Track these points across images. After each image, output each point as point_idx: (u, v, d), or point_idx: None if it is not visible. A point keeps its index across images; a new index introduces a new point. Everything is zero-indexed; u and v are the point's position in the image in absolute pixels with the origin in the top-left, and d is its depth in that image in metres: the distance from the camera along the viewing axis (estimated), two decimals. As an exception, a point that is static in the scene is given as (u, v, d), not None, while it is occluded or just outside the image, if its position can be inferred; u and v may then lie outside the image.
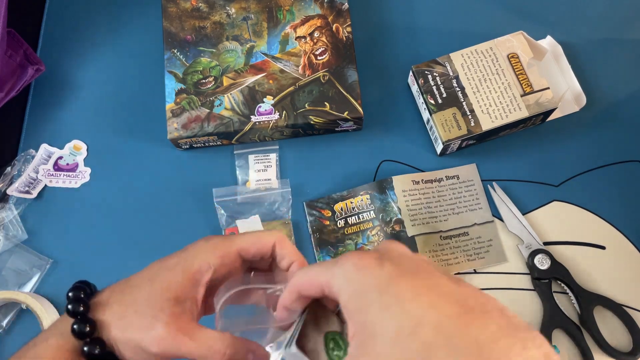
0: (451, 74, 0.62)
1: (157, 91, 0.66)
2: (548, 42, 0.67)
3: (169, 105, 0.62)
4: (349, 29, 0.64)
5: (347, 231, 0.61)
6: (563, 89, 0.65)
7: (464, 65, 0.62)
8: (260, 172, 0.63)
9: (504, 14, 0.70)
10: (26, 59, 0.65)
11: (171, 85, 0.63)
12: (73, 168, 0.65)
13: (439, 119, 0.61)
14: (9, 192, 0.63)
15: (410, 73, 0.64)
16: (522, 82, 0.61)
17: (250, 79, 0.62)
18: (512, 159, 0.64)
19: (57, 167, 0.65)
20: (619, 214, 0.61)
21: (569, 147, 0.64)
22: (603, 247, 0.60)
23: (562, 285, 0.59)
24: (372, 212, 0.61)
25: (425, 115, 0.63)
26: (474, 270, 0.60)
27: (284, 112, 0.61)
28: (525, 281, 0.59)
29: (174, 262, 0.37)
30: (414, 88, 0.65)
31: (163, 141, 0.63)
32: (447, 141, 0.60)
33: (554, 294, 0.58)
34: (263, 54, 0.63)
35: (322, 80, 0.62)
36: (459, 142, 0.61)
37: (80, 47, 0.70)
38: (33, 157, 0.65)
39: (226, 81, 0.62)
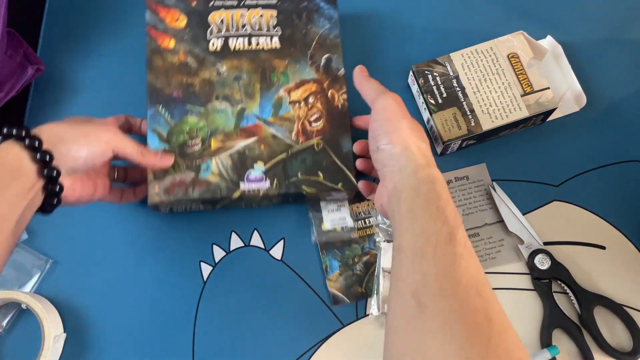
0: (451, 74, 0.62)
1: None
2: (548, 42, 0.67)
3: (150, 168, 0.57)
4: (344, 95, 0.60)
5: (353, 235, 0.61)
6: (563, 89, 0.65)
7: (464, 65, 0.62)
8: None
9: (504, 14, 0.70)
10: (26, 59, 0.65)
11: (154, 145, 0.57)
12: (73, 168, 0.65)
13: (439, 119, 0.61)
14: (9, 192, 0.63)
15: (410, 73, 0.64)
16: (522, 82, 0.61)
17: (241, 143, 0.58)
18: (512, 159, 0.64)
19: (57, 167, 0.65)
20: (619, 214, 0.62)
21: (569, 147, 0.64)
22: (603, 247, 0.60)
23: (562, 285, 0.59)
24: (378, 217, 0.61)
25: (425, 115, 0.63)
26: (474, 270, 0.60)
27: (276, 180, 0.57)
28: (526, 281, 0.59)
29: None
30: (414, 88, 0.65)
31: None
32: (447, 141, 0.60)
33: (554, 294, 0.58)
34: (255, 116, 0.59)
35: (316, 149, 0.58)
36: (459, 142, 0.61)
37: (80, 47, 0.70)
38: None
39: (214, 144, 0.58)
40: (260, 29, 0.62)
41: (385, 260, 0.59)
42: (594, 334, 0.56)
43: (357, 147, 0.58)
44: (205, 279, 0.61)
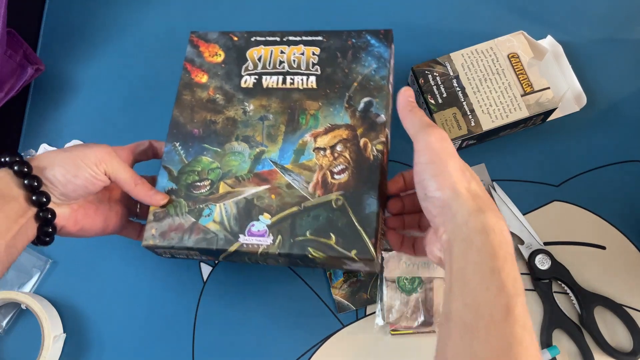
0: (451, 73, 0.62)
1: (157, 90, 0.66)
2: (548, 42, 0.67)
3: (153, 207, 0.53)
4: (379, 146, 0.52)
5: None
6: (563, 89, 0.65)
7: (464, 65, 0.62)
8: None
9: (504, 14, 0.70)
10: (26, 59, 0.65)
11: (162, 183, 0.54)
12: (73, 168, 0.65)
13: (439, 119, 0.61)
14: (8, 192, 0.63)
15: (410, 73, 0.64)
16: (522, 82, 0.61)
17: (250, 190, 0.52)
18: (512, 159, 0.64)
19: (57, 167, 0.65)
20: (619, 214, 0.62)
21: (569, 147, 0.64)
22: (603, 247, 0.60)
23: (563, 285, 0.59)
24: None
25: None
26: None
27: (279, 236, 0.49)
28: (526, 281, 0.59)
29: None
30: (414, 88, 0.65)
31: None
32: (447, 141, 0.60)
33: (554, 294, 0.58)
34: (272, 162, 0.53)
35: (334, 205, 0.50)
36: (459, 142, 0.61)
37: (80, 47, 0.71)
38: (33, 157, 0.65)
39: (222, 188, 0.53)
40: (298, 67, 0.57)
41: (387, 270, 0.58)
42: (594, 334, 0.56)
43: (392, 207, 0.51)
44: (205, 279, 0.61)
